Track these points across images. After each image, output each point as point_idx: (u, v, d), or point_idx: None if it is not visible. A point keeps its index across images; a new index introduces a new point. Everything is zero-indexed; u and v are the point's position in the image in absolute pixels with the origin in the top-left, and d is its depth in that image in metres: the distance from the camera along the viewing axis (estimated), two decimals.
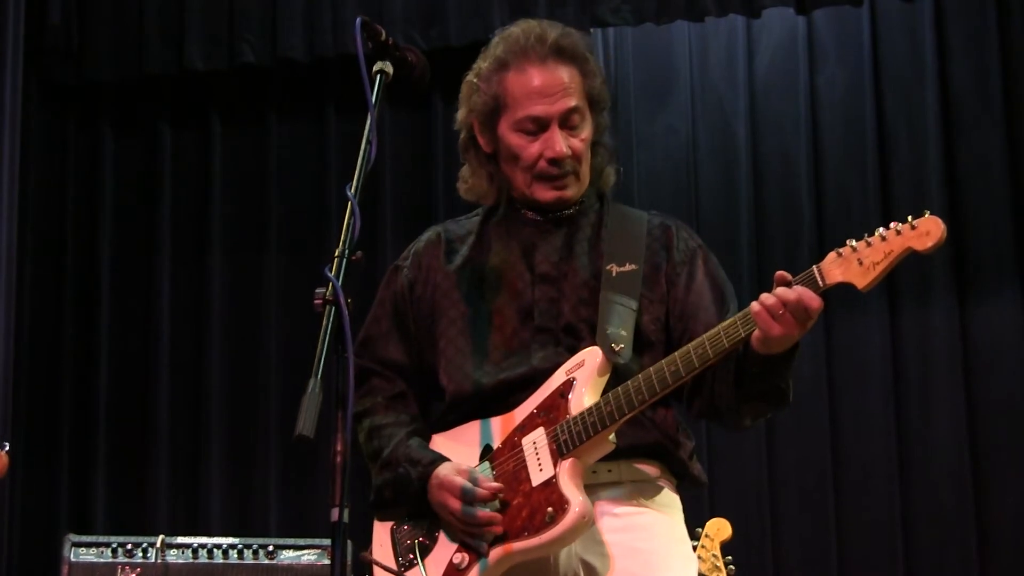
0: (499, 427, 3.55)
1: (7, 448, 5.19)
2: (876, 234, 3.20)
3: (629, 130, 7.14)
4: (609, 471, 3.48)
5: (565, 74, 3.60)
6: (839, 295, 6.45)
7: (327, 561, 5.51)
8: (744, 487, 6.69)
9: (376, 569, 3.67)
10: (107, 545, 5.50)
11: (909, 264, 6.59)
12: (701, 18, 6.86)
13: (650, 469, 3.55)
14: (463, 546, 3.48)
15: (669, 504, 3.59)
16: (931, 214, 3.18)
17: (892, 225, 3.20)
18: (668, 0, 6.82)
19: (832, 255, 3.22)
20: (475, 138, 3.73)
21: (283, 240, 7.36)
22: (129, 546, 5.49)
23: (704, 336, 3.32)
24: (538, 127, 3.59)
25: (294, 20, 7.20)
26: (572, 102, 3.58)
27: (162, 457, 7.20)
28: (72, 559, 5.46)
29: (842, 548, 6.61)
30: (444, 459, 3.56)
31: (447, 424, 3.68)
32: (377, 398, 3.75)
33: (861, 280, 3.21)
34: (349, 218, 3.11)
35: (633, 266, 3.58)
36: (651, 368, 3.35)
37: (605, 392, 3.42)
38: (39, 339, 7.29)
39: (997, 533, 6.54)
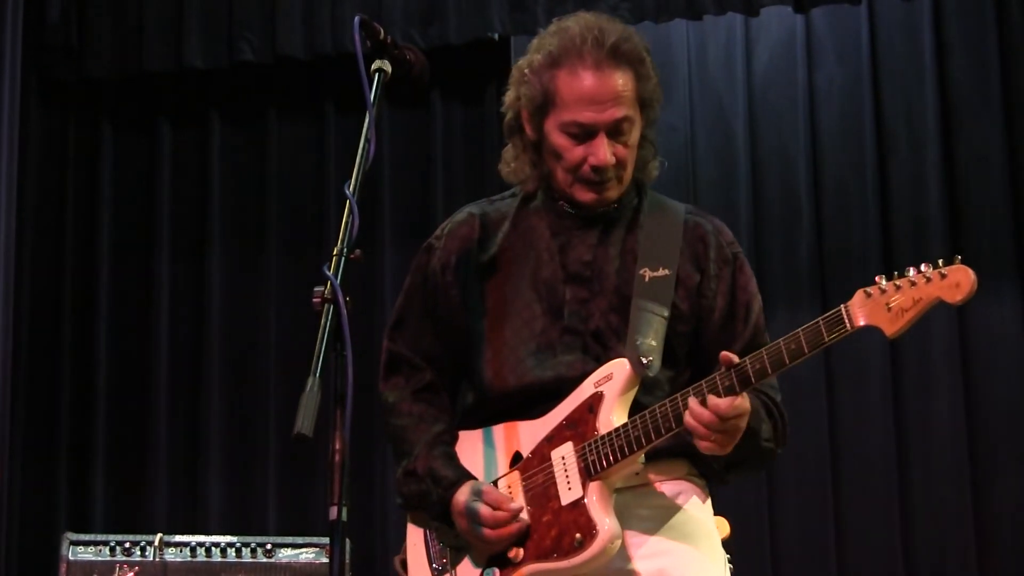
0: (529, 434, 3.52)
1: None
2: (906, 277, 3.10)
3: None
4: (636, 474, 3.45)
5: (619, 80, 3.50)
6: (836, 290, 6.50)
7: (325, 559, 5.51)
8: (742, 485, 6.69)
9: (410, 573, 3.67)
10: (105, 543, 5.50)
11: (907, 260, 6.64)
12: (700, 16, 6.86)
13: (678, 467, 3.52)
14: (491, 562, 3.48)
15: (698, 502, 3.56)
16: (961, 261, 3.06)
17: (923, 269, 3.08)
18: None
19: (860, 295, 3.13)
20: (521, 123, 3.66)
21: (282, 238, 7.36)
22: (127, 544, 5.50)
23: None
24: (584, 132, 3.52)
25: (293, 18, 7.19)
26: (622, 112, 3.50)
27: (160, 456, 7.20)
28: (70, 557, 5.47)
29: (841, 545, 6.62)
30: (466, 478, 3.53)
31: (475, 421, 3.65)
32: (404, 391, 3.72)
33: (890, 327, 3.11)
34: (348, 217, 3.10)
35: (666, 271, 3.53)
36: (679, 394, 3.31)
37: (634, 403, 3.40)
38: (38, 337, 7.28)
39: (996, 529, 6.54)
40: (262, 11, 7.25)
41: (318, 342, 2.94)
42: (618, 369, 3.43)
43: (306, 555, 5.56)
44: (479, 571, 3.49)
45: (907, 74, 6.95)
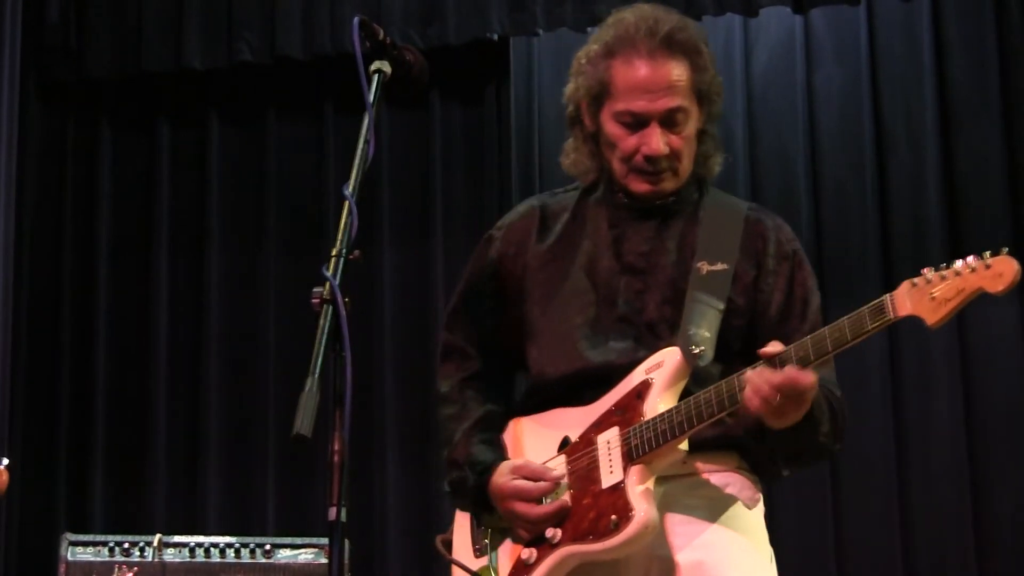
0: (578, 419, 3.54)
1: (6, 463, 5.18)
2: (951, 268, 3.08)
3: None
4: (683, 462, 3.45)
5: (673, 70, 3.51)
6: (835, 290, 6.49)
7: (324, 560, 5.52)
8: None
9: (454, 554, 3.70)
10: (104, 544, 5.50)
11: (906, 260, 6.67)
12: (699, 17, 6.81)
13: (727, 459, 3.52)
14: (531, 543, 3.49)
15: (747, 495, 3.55)
16: (1007, 253, 3.04)
17: (968, 260, 3.07)
18: (667, 0, 6.80)
19: (906, 284, 3.14)
20: (580, 115, 3.68)
21: (281, 238, 7.36)
22: (126, 545, 5.50)
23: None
24: (637, 122, 3.53)
25: (292, 18, 7.19)
26: (675, 101, 3.51)
27: (159, 456, 7.20)
28: (69, 558, 5.47)
29: (840, 546, 6.62)
30: (501, 460, 3.57)
31: (530, 407, 3.68)
32: (454, 380, 3.75)
33: (931, 316, 3.12)
34: (347, 217, 3.10)
35: (724, 265, 3.52)
36: (723, 381, 3.32)
37: (685, 394, 3.40)
38: (36, 336, 7.28)
39: (995, 531, 6.54)
40: (261, 11, 7.25)
41: (317, 343, 2.93)
42: (669, 357, 3.45)
43: (305, 556, 5.56)
44: (518, 551, 3.51)
45: (906, 75, 6.95)
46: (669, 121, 3.53)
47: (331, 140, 7.38)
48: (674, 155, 3.55)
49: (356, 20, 3.30)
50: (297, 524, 6.84)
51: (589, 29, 6.98)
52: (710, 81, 3.59)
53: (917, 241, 6.79)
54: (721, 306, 3.48)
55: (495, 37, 7.08)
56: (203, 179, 7.47)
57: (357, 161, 3.21)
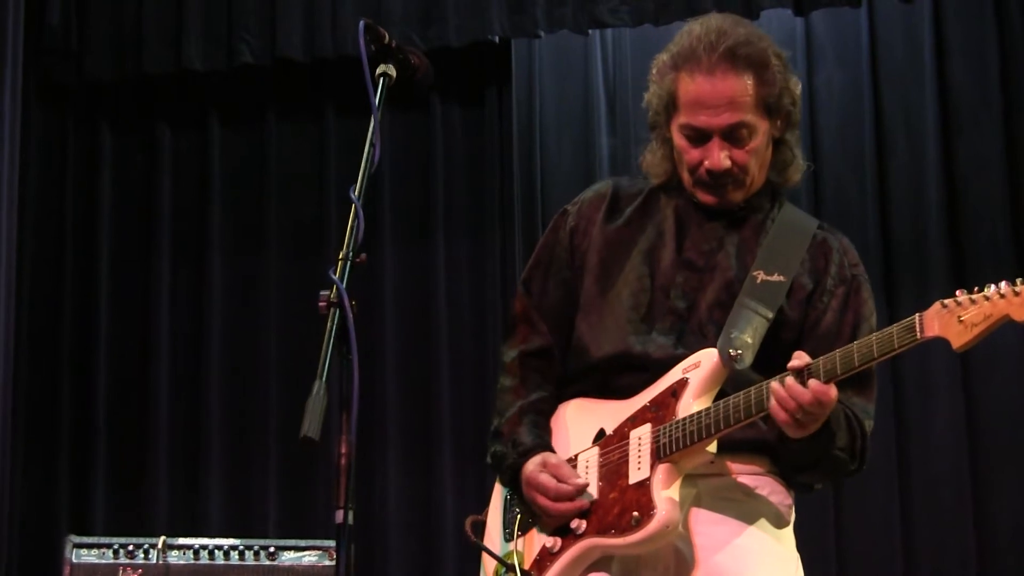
0: (616, 412, 3.58)
1: None
2: (982, 292, 3.10)
3: (627, 131, 7.14)
4: (711, 463, 3.48)
5: (735, 85, 3.54)
6: None
7: (328, 562, 5.52)
8: None
9: (487, 534, 3.76)
10: (108, 546, 5.49)
11: (907, 264, 6.67)
12: None
13: (758, 462, 3.55)
14: (556, 531, 3.53)
15: (777, 499, 3.58)
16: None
17: (1001, 286, 3.08)
18: (667, 1, 6.80)
19: (937, 306, 3.14)
20: (658, 119, 3.71)
21: (282, 240, 7.35)
22: (131, 547, 5.49)
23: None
24: (699, 136, 3.57)
25: (293, 20, 7.17)
26: (737, 117, 3.54)
27: (161, 458, 7.19)
28: (74, 560, 5.46)
29: (841, 549, 6.61)
30: (542, 448, 3.61)
31: (571, 392, 3.73)
32: (517, 352, 3.80)
33: (957, 340, 3.13)
34: (353, 220, 3.13)
35: (781, 277, 3.56)
36: (753, 387, 3.34)
37: (719, 397, 3.42)
38: (38, 340, 7.27)
39: (996, 533, 6.54)
40: (261, 13, 7.23)
41: (324, 346, 2.97)
42: (706, 358, 3.48)
43: (309, 558, 5.56)
44: (543, 538, 3.55)
45: (907, 76, 6.96)
46: (732, 136, 3.56)
47: (332, 142, 7.37)
48: (739, 169, 3.59)
49: (361, 24, 3.32)
50: (298, 526, 6.85)
51: (590, 31, 7.01)
52: (779, 93, 3.60)
53: (917, 243, 6.79)
54: (769, 315, 3.51)
55: (496, 39, 7.08)
56: (204, 181, 7.46)
57: (363, 165, 3.24)
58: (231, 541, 5.58)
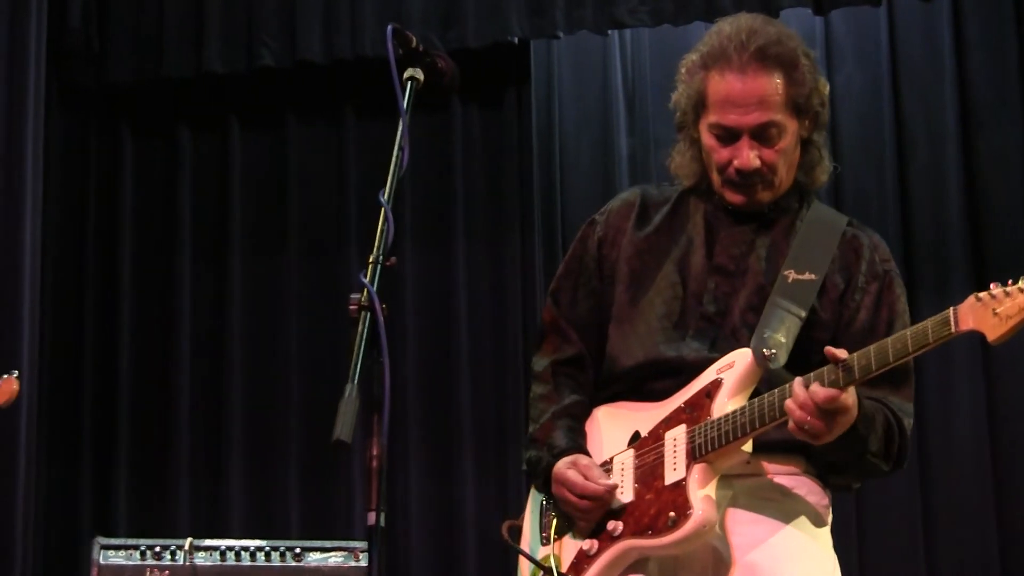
0: (650, 415, 3.59)
1: (16, 374, 5.40)
2: (1016, 285, 3.09)
3: (647, 131, 7.16)
4: (747, 463, 3.48)
5: (765, 84, 3.54)
6: None
7: (354, 563, 5.54)
8: None
9: (522, 539, 3.78)
10: (135, 547, 5.52)
11: (928, 262, 6.66)
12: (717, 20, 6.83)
13: (794, 462, 3.55)
14: (593, 534, 3.54)
15: (814, 499, 3.57)
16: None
17: None
18: (686, 1, 6.80)
19: (971, 299, 3.13)
20: (686, 120, 3.72)
21: (302, 242, 7.37)
22: (157, 548, 5.51)
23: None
24: (729, 135, 3.57)
25: (312, 23, 7.19)
26: (767, 116, 3.54)
27: (183, 459, 7.21)
28: (101, 561, 5.48)
29: (863, 546, 6.62)
30: (576, 450, 3.63)
31: (604, 396, 3.74)
32: (549, 361, 3.82)
33: (992, 332, 3.12)
34: (383, 224, 3.13)
35: (812, 276, 3.56)
36: (787, 384, 3.33)
37: (753, 397, 3.42)
38: (61, 341, 7.30)
39: (1019, 530, 6.54)
40: (281, 16, 7.25)
41: (355, 349, 2.96)
42: (740, 358, 3.49)
43: (335, 559, 5.58)
44: (580, 541, 3.56)
45: (926, 75, 6.96)
46: (761, 135, 3.56)
47: (351, 144, 7.39)
48: (767, 168, 3.59)
49: (390, 28, 3.33)
50: (320, 526, 6.86)
51: (609, 32, 7.02)
52: (808, 93, 3.60)
53: (938, 241, 6.80)
54: (802, 314, 3.51)
55: (515, 40, 7.08)
56: (224, 183, 7.48)
57: (392, 168, 3.25)
58: (257, 542, 5.60)
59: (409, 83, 3.38)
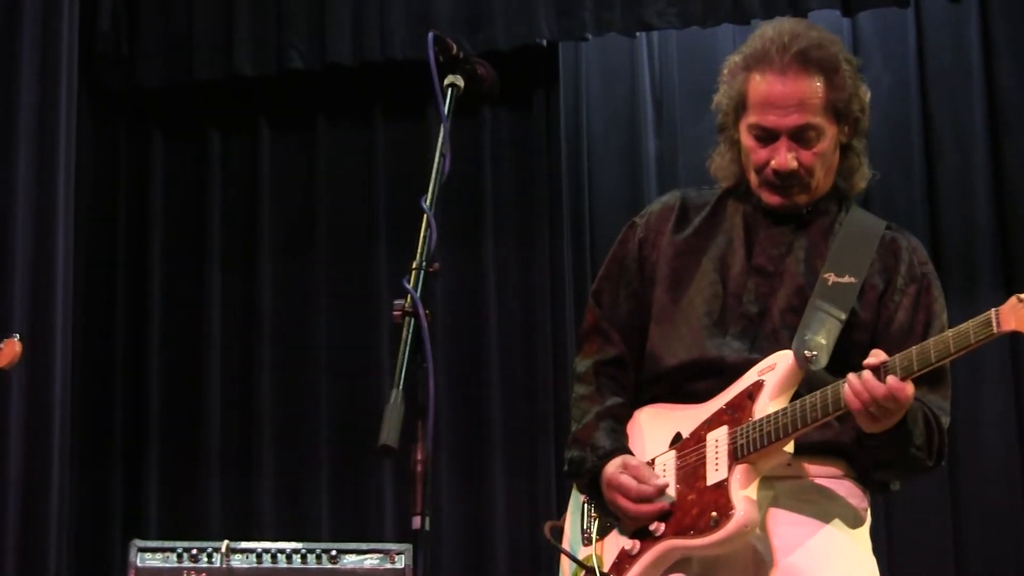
0: (692, 416, 3.62)
1: (18, 336, 5.47)
2: None
3: (674, 132, 7.17)
4: (788, 465, 3.52)
5: (805, 87, 3.58)
6: None
7: (390, 565, 5.54)
8: None
9: (563, 539, 3.81)
10: (172, 550, 5.53)
11: (956, 265, 6.66)
12: (747, 21, 6.82)
13: (832, 467, 3.58)
14: (635, 534, 3.57)
15: (855, 502, 3.60)
16: None
17: None
18: (714, 3, 6.81)
19: (1013, 300, 3.16)
20: (726, 121, 3.76)
21: (332, 244, 7.38)
22: (194, 551, 5.53)
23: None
24: (768, 136, 3.61)
25: (341, 25, 7.21)
26: (805, 118, 3.57)
27: (214, 461, 7.24)
28: (139, 564, 5.49)
29: (892, 547, 6.61)
30: (621, 451, 3.66)
31: (646, 398, 3.78)
32: (591, 362, 3.85)
33: None
34: (425, 230, 3.16)
35: (852, 279, 3.59)
36: (830, 386, 3.38)
37: (793, 399, 3.45)
38: (91, 344, 7.33)
39: None
40: (311, 19, 7.27)
41: (400, 355, 2.99)
42: (782, 360, 3.52)
43: (370, 561, 5.59)
44: (622, 541, 3.60)
45: (954, 76, 6.95)
46: (799, 137, 3.60)
47: (380, 146, 7.40)
48: (805, 170, 3.62)
49: (431, 35, 3.36)
50: (351, 528, 6.88)
51: (638, 33, 7.03)
52: (848, 99, 3.63)
53: (966, 244, 6.79)
54: (842, 317, 3.54)
55: (543, 43, 7.10)
56: (254, 185, 7.50)
57: (433, 174, 3.27)
58: (293, 544, 5.62)
59: (450, 90, 3.40)
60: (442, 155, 3.28)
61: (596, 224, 7.14)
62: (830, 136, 3.62)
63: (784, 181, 3.63)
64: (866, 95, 3.71)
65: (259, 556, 5.55)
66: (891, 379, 3.27)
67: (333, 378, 7.24)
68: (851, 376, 3.32)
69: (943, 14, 6.97)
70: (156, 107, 7.66)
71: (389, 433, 2.89)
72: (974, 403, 6.69)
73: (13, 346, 5.50)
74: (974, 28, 6.94)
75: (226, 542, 5.56)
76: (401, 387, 2.95)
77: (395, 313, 3.04)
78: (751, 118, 3.64)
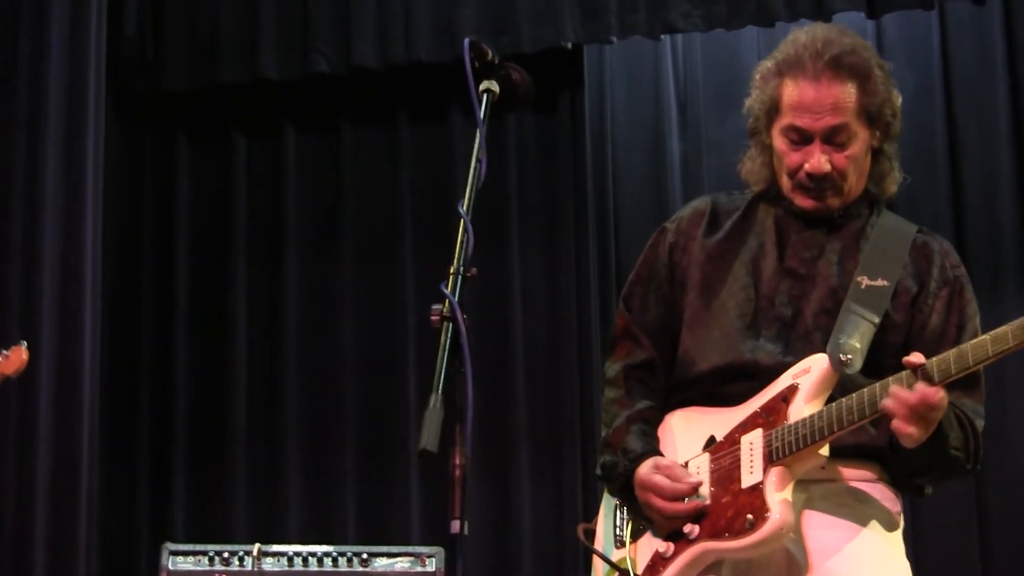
0: (725, 419, 3.63)
1: (25, 344, 5.56)
2: None
3: (699, 134, 7.18)
4: (823, 468, 3.53)
5: (838, 91, 3.60)
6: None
7: (420, 568, 5.56)
8: None
9: (596, 542, 3.83)
10: (204, 553, 5.54)
11: (981, 267, 6.66)
12: (772, 23, 6.81)
13: (866, 471, 3.59)
14: (669, 536, 3.59)
15: (888, 506, 3.61)
16: None
17: None
18: (739, 5, 6.80)
19: None
20: (758, 126, 3.78)
21: (357, 247, 7.39)
22: (225, 554, 5.54)
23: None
24: (801, 138, 3.64)
25: (366, 29, 7.21)
26: (838, 120, 3.59)
27: (240, 463, 7.24)
28: (170, 567, 5.51)
29: (919, 550, 6.61)
30: (653, 453, 3.67)
31: (677, 401, 3.80)
32: (621, 366, 3.87)
33: None
34: (462, 235, 3.18)
35: (885, 282, 3.60)
36: (866, 389, 3.39)
37: (829, 402, 3.47)
38: (118, 347, 7.34)
39: None
40: (336, 22, 7.27)
41: (439, 360, 3.01)
42: (816, 364, 3.53)
43: (401, 564, 5.60)
44: (656, 544, 3.61)
45: (979, 78, 6.95)
46: (832, 140, 3.61)
47: (406, 149, 7.41)
48: (837, 173, 3.63)
49: (467, 41, 3.39)
50: (377, 531, 6.89)
51: (663, 36, 7.03)
52: (881, 103, 3.65)
53: (991, 246, 6.80)
54: (876, 320, 3.56)
55: (568, 46, 7.10)
56: (279, 189, 7.51)
57: (470, 180, 3.32)
58: (324, 548, 5.63)
59: (485, 95, 3.45)
60: (478, 160, 3.34)
61: (621, 225, 7.15)
62: (862, 140, 3.64)
63: (817, 184, 3.64)
64: (898, 100, 3.73)
65: (290, 559, 5.56)
66: (920, 386, 3.29)
67: (359, 380, 7.25)
68: (890, 383, 3.34)
69: (967, 16, 6.97)
70: (181, 111, 7.67)
71: (429, 437, 2.92)
72: (998, 403, 6.68)
73: (20, 354, 5.57)
74: (998, 30, 6.94)
75: (257, 546, 5.57)
76: (440, 392, 2.96)
77: (433, 318, 3.05)
78: (784, 121, 3.66)
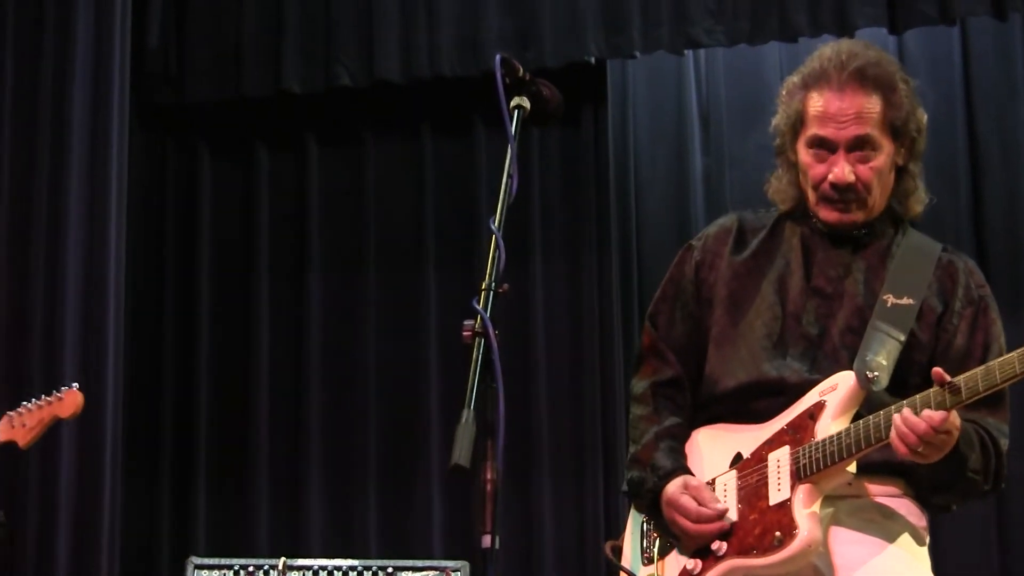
0: (752, 437, 3.65)
1: (77, 386, 5.52)
2: None
3: (721, 148, 7.18)
4: (849, 484, 3.53)
5: (863, 102, 3.62)
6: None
7: None
8: None
9: (623, 559, 3.84)
10: (229, 567, 5.56)
11: (1003, 283, 6.65)
12: (795, 39, 6.81)
13: (892, 486, 3.60)
14: (696, 554, 3.60)
15: (913, 521, 3.62)
16: None
17: None
18: (762, 21, 6.81)
19: None
20: (784, 144, 3.80)
21: (380, 260, 7.39)
22: (251, 568, 5.56)
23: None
24: (826, 149, 3.65)
25: (390, 42, 7.21)
26: (862, 130, 3.61)
27: (262, 477, 7.24)
28: None
29: (938, 562, 6.59)
30: (682, 471, 3.68)
31: (704, 418, 3.81)
32: (648, 383, 3.88)
33: None
34: (494, 251, 3.20)
35: (911, 300, 3.62)
36: (893, 406, 3.39)
37: (855, 419, 3.47)
38: (141, 360, 7.35)
39: None
40: (359, 36, 7.27)
41: (471, 375, 3.02)
42: (843, 381, 3.54)
43: None
44: (684, 561, 3.62)
45: (1001, 93, 6.95)
46: (857, 150, 3.63)
47: (428, 162, 7.42)
48: (862, 185, 3.65)
49: (498, 57, 3.38)
50: (398, 544, 6.90)
51: (686, 52, 7.03)
52: (905, 117, 3.67)
53: (1014, 261, 6.79)
54: (902, 338, 3.57)
55: (592, 60, 7.11)
56: (302, 202, 7.52)
57: (501, 195, 3.31)
58: (349, 562, 5.64)
59: (516, 111, 3.42)
60: (510, 176, 3.31)
61: (643, 240, 7.15)
62: (887, 153, 3.66)
63: (842, 195, 3.65)
64: (923, 117, 3.75)
65: (315, 573, 5.57)
66: (926, 412, 3.30)
67: (381, 394, 7.25)
68: (896, 419, 3.35)
69: (989, 31, 6.96)
70: (204, 123, 7.69)
71: (461, 453, 2.92)
72: (1019, 416, 6.67)
73: (75, 397, 5.50)
74: (1019, 45, 6.94)
75: (283, 559, 5.58)
76: (472, 407, 2.97)
77: (465, 333, 3.06)
78: (809, 132, 3.68)
